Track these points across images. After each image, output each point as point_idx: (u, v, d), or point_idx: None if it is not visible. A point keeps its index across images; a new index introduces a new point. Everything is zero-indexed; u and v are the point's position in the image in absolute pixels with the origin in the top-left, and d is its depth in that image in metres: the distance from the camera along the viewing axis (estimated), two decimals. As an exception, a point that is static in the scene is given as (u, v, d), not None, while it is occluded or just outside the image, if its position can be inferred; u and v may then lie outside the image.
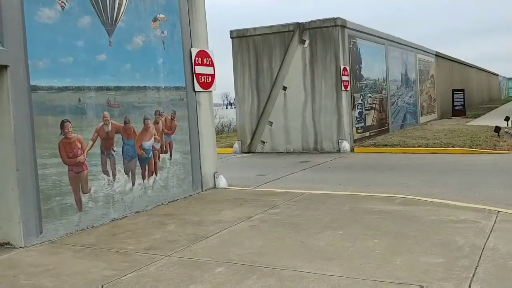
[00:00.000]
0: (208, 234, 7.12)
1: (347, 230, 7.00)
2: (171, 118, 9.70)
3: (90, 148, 7.95)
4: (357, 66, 19.20)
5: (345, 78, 17.71)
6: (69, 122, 7.60)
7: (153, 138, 9.21)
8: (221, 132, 33.48)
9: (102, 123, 8.19)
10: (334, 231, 7.00)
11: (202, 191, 10.34)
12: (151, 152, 9.18)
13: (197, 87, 10.28)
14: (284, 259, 5.93)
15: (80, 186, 7.73)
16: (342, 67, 17.55)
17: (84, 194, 7.79)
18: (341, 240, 6.55)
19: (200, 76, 10.35)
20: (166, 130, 9.57)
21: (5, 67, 6.74)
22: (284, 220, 7.69)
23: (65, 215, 7.45)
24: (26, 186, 6.91)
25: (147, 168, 9.07)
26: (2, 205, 6.97)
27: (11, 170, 6.84)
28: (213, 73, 10.72)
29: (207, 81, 10.56)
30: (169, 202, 9.43)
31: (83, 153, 7.81)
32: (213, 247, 6.52)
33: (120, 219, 8.31)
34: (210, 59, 10.64)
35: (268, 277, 5.38)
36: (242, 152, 18.34)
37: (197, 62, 10.27)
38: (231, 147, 19.21)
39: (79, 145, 7.74)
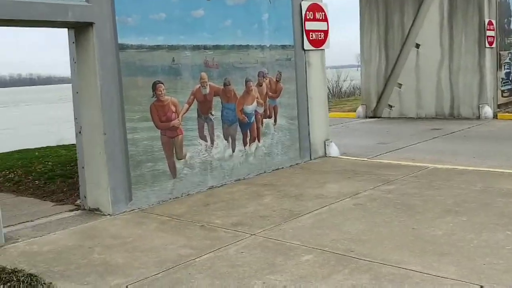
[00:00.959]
0: (304, 211, 6.27)
1: (474, 217, 5.71)
2: (277, 80, 8.85)
3: (186, 112, 7.42)
4: (505, 20, 16.66)
5: (489, 33, 15.41)
6: (162, 83, 7.09)
7: (255, 102, 8.46)
8: (352, 94, 32.08)
9: (199, 85, 7.59)
10: (457, 217, 5.75)
11: (310, 159, 9.45)
12: (254, 116, 8.46)
13: (307, 45, 9.28)
14: (387, 249, 4.90)
15: (174, 152, 7.26)
16: (486, 20, 15.26)
17: (178, 160, 7.32)
18: (463, 230, 5.32)
19: (311, 33, 9.32)
20: (270, 93, 8.76)
21: (90, 24, 6.33)
22: (396, 200, 6.56)
23: (157, 182, 7.04)
24: (114, 151, 6.57)
25: (248, 133, 8.37)
26: (91, 171, 6.72)
27: (98, 134, 6.52)
28: (326, 29, 9.62)
29: (319, 38, 9.49)
30: (273, 170, 8.70)
31: (178, 117, 7.29)
32: (306, 228, 5.66)
33: (218, 187, 7.76)
34: (323, 13, 9.54)
35: (363, 272, 4.41)
36: (366, 117, 16.98)
37: (308, 17, 9.23)
38: (356, 111, 17.91)
39: (173, 109, 7.23)
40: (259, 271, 4.55)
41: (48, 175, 8.89)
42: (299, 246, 5.11)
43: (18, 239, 5.73)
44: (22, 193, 8.03)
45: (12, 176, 9.15)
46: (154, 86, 7.01)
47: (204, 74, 7.63)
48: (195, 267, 4.74)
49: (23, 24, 5.96)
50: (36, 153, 11.69)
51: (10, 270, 4.63)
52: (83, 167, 6.83)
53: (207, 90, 7.69)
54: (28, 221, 6.44)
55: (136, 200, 6.78)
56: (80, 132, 6.78)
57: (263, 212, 6.35)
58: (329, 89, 31.29)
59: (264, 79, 8.62)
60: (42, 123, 29.20)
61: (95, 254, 5.19)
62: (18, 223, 6.35)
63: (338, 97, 30.68)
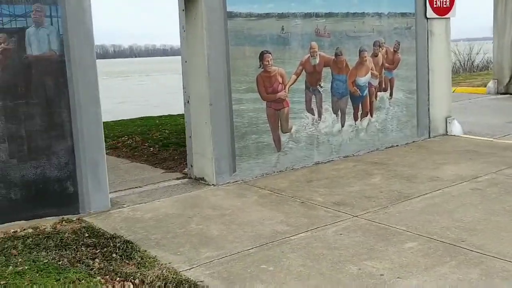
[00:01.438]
0: (414, 194, 5.79)
1: None
2: (394, 50, 8.25)
3: (293, 83, 7.17)
4: None
5: None
6: (269, 53, 6.88)
7: (369, 73, 7.96)
8: (485, 68, 29.66)
9: (309, 55, 7.28)
10: None
11: (429, 137, 8.77)
12: (367, 89, 7.98)
13: (430, 13, 8.51)
14: (504, 242, 4.34)
15: (279, 125, 7.08)
16: None
17: (283, 133, 7.13)
18: None
19: (434, 0, 8.53)
20: (386, 64, 8.19)
21: (198, -8, 6.27)
22: (522, 186, 5.83)
23: (261, 155, 6.92)
24: (220, 121, 6.52)
25: (360, 107, 7.93)
26: (197, 140, 6.76)
27: (205, 104, 6.51)
28: (453, -5, 8.76)
29: (444, 5, 8.66)
30: (386, 148, 8.20)
31: (284, 89, 7.07)
32: (415, 213, 5.20)
33: (324, 163, 7.47)
34: (450, -23, 8.68)
35: (472, 266, 3.93)
36: (498, 93, 15.47)
37: (432, -18, 8.46)
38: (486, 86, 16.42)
39: (280, 80, 7.01)
40: (356, 256, 4.24)
41: (163, 143, 9.17)
42: (404, 231, 4.71)
43: (123, 204, 5.93)
44: (136, 159, 8.36)
45: (130, 142, 9.57)
46: (262, 56, 6.83)
47: (314, 44, 7.30)
48: (289, 245, 4.55)
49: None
50: (157, 121, 12.18)
51: (109, 236, 4.77)
52: (190, 137, 6.89)
53: (317, 60, 7.36)
54: (136, 187, 6.65)
55: (240, 172, 6.71)
56: (188, 102, 6.83)
57: (369, 192, 5.97)
58: (460, 63, 29.18)
59: (380, 49, 8.07)
60: (170, 92, 30.57)
61: (192, 224, 5.19)
62: (127, 189, 6.58)
63: (469, 71, 28.49)
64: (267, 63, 6.86)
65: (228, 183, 6.59)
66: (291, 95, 7.15)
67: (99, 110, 5.64)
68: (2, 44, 5.05)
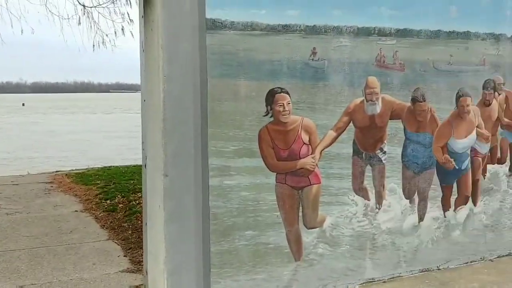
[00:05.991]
0: None
1: None
2: (521, 96, 4.97)
3: (330, 144, 4.24)
4: None
5: None
6: (287, 93, 4.03)
7: (473, 133, 4.75)
8: None
9: (363, 98, 4.34)
10: None
11: None
12: (468, 159, 4.78)
13: None
14: None
15: (299, 214, 4.16)
16: None
17: (308, 229, 4.21)
18: None
19: None
20: (506, 120, 4.94)
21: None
22: None
23: (262, 266, 4.03)
24: (182, 205, 3.75)
25: (455, 189, 4.76)
26: (152, 233, 4.04)
27: (158, 175, 3.79)
28: None
29: None
30: (498, 257, 4.96)
31: (313, 153, 4.15)
32: None
33: (384, 282, 4.40)
34: None
35: None
36: None
37: None
38: None
39: (305, 137, 4.13)
40: None
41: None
42: None
43: None
44: (119, 234, 5.82)
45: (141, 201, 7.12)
46: (272, 97, 3.99)
47: (373, 80, 4.33)
48: None
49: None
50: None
51: None
52: (146, 224, 4.20)
53: (378, 108, 4.36)
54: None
55: (218, 295, 3.87)
56: (145, 166, 4.17)
57: None
58: None
59: (496, 93, 4.86)
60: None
61: None
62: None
63: None
64: (281, 108, 4.00)
65: (192, 314, 3.77)
66: (325, 164, 4.20)
67: None
68: None
